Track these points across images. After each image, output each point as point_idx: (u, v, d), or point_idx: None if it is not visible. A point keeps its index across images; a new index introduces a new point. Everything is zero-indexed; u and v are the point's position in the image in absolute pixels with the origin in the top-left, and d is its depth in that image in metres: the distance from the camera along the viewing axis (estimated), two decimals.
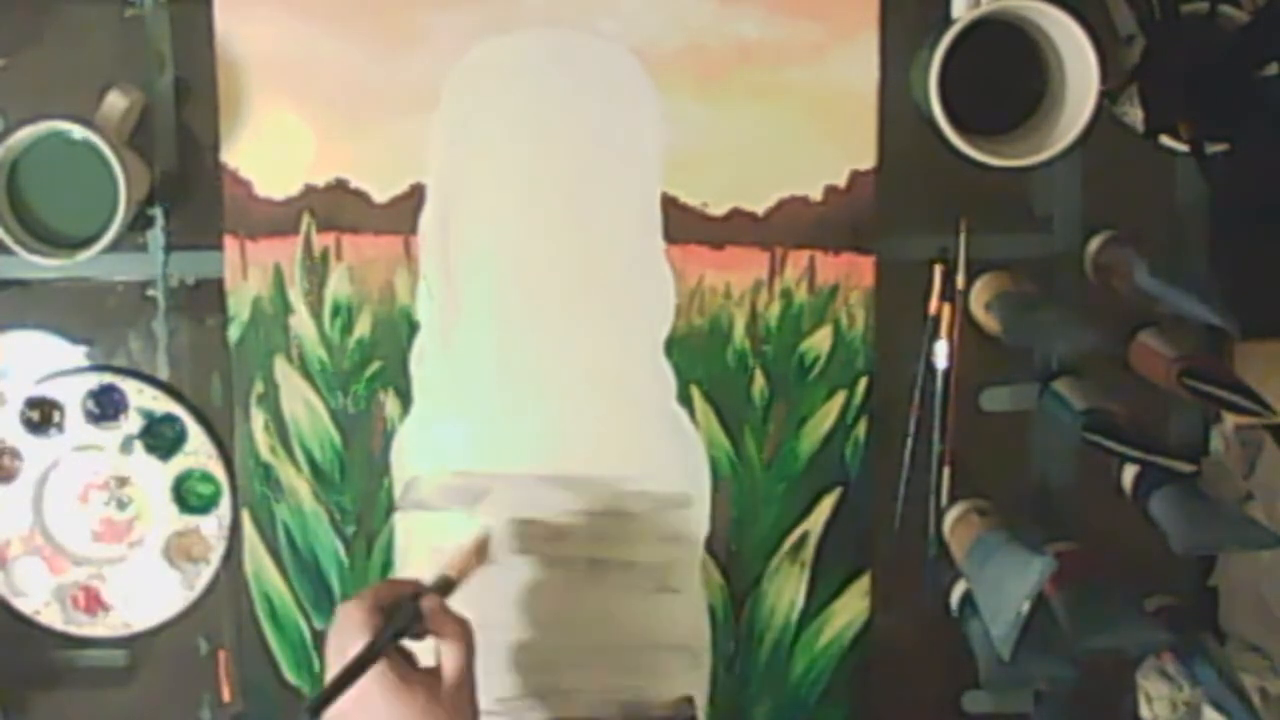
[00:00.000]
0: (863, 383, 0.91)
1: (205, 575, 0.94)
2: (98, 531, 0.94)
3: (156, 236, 0.92)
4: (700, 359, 0.92)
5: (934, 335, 0.91)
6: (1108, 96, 0.87)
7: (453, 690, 0.79)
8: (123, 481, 0.94)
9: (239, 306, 0.92)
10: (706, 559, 0.93)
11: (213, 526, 0.94)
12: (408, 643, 0.80)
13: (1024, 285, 0.89)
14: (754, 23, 0.89)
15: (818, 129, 0.90)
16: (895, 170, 0.90)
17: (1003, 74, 0.87)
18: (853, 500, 0.92)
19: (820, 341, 0.91)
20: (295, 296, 0.92)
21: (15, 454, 0.93)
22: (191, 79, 0.91)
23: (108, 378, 0.92)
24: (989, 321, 0.89)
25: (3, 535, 0.93)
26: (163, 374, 0.93)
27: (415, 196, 0.91)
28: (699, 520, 0.93)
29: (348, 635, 0.78)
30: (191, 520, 0.93)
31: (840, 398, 0.92)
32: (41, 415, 0.93)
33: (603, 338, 0.92)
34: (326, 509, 0.93)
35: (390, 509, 0.93)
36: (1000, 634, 0.80)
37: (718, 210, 0.90)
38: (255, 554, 0.93)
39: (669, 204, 0.90)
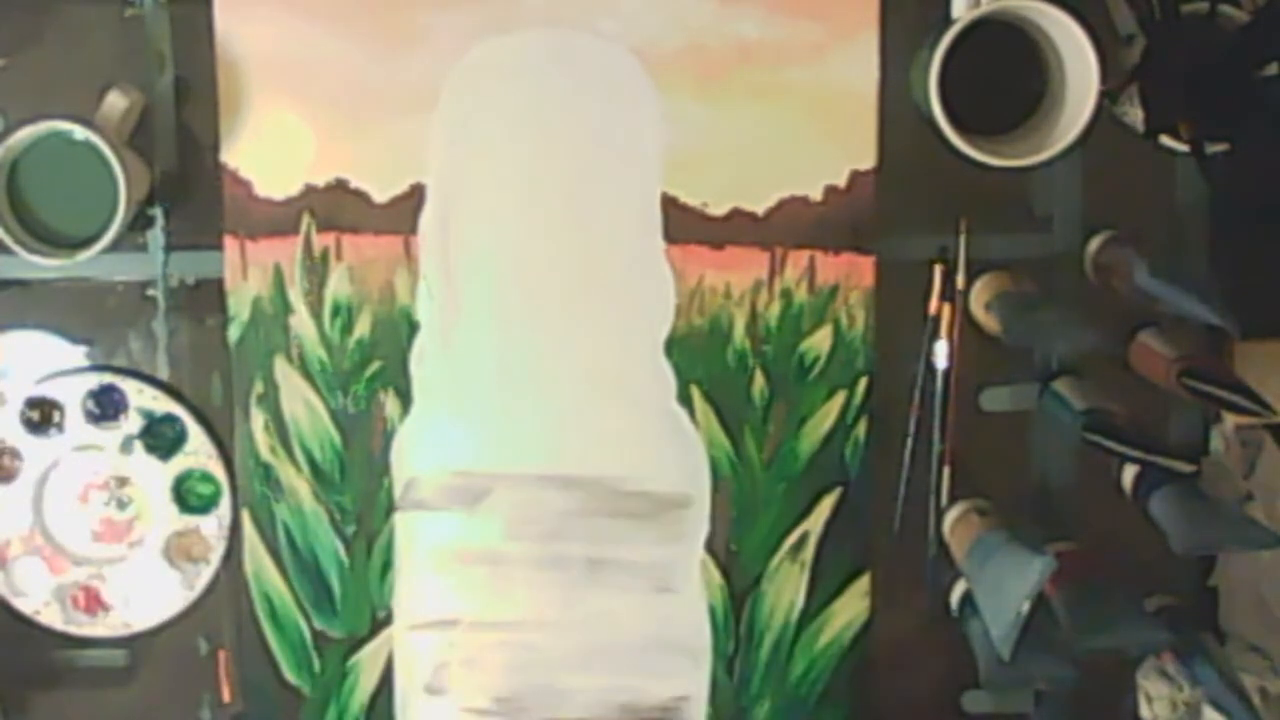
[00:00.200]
0: (863, 383, 0.91)
1: (205, 575, 0.94)
2: (98, 531, 0.94)
3: (156, 236, 0.92)
4: (700, 359, 0.91)
5: (934, 335, 0.91)
6: (1108, 96, 0.87)
7: None
8: (123, 481, 0.94)
9: (239, 306, 0.92)
10: (706, 559, 0.93)
11: (213, 526, 0.93)
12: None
13: (1024, 285, 0.89)
14: (754, 23, 0.89)
15: (818, 129, 0.90)
16: (895, 170, 0.90)
17: (1003, 74, 0.87)
18: (853, 500, 0.92)
19: (820, 341, 0.91)
20: (295, 296, 0.92)
21: (15, 454, 0.93)
22: (191, 79, 0.91)
23: (108, 378, 0.92)
24: (989, 321, 0.89)
25: (3, 535, 0.93)
26: (163, 374, 0.93)
27: (415, 196, 0.91)
28: (699, 520, 0.93)
29: None
30: (191, 520, 0.93)
31: (840, 398, 0.92)
32: (41, 415, 0.93)
33: (603, 338, 0.92)
34: (326, 509, 0.93)
35: (390, 509, 0.93)
36: (1000, 634, 0.80)
37: (718, 210, 0.90)
38: (255, 554, 0.93)
39: (669, 204, 0.90)
